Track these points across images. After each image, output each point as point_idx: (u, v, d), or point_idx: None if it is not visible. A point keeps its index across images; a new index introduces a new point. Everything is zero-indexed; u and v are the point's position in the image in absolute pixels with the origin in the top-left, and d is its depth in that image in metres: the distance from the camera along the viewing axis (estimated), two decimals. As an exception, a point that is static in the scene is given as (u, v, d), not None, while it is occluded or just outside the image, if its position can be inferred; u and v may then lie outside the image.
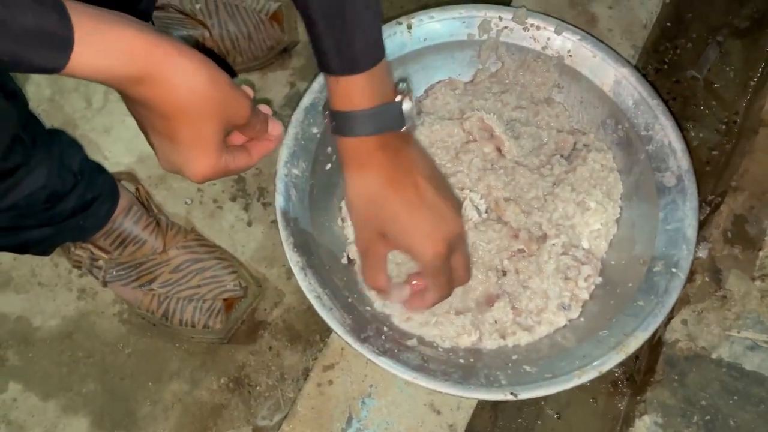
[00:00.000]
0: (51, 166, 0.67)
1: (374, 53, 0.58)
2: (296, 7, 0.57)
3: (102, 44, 0.41)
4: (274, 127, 0.57)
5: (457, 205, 0.65)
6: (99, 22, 0.41)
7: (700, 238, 0.77)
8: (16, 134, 0.62)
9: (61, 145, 0.71)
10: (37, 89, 0.95)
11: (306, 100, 0.73)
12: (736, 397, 0.69)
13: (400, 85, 0.61)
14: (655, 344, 0.75)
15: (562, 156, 0.77)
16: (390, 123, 0.59)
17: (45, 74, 0.41)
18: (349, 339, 0.63)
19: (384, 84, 0.59)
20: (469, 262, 0.67)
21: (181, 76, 0.45)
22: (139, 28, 0.43)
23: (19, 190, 0.65)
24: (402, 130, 0.60)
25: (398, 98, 0.60)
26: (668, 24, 0.93)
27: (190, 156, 0.49)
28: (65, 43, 0.39)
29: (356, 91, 0.58)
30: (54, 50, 0.39)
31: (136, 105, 0.48)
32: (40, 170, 0.66)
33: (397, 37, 0.76)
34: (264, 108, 0.57)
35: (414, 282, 0.67)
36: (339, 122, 0.60)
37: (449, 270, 0.64)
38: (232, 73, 0.97)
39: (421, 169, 0.62)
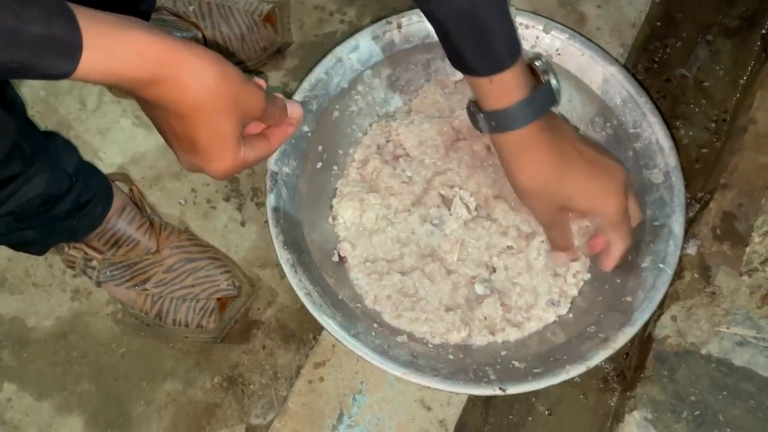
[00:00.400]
0: (48, 172, 0.68)
1: (515, 46, 0.59)
2: (429, 20, 0.58)
3: (110, 48, 0.41)
4: (294, 110, 0.57)
5: (611, 154, 0.70)
6: (106, 26, 0.41)
7: (690, 235, 0.77)
8: (15, 143, 0.63)
9: (56, 148, 0.72)
10: (31, 91, 0.95)
11: (296, 99, 0.73)
12: (725, 393, 0.70)
13: (537, 63, 0.62)
14: (645, 340, 0.76)
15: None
16: (546, 104, 0.61)
17: (55, 80, 0.41)
18: (340, 336, 0.64)
19: (527, 69, 0.61)
20: (639, 200, 0.70)
21: (193, 75, 0.45)
22: (148, 30, 0.43)
23: (18, 197, 0.65)
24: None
25: (544, 78, 0.61)
26: (658, 23, 0.94)
27: (210, 154, 0.49)
28: (74, 49, 0.40)
29: (509, 87, 0.59)
30: (63, 56, 0.39)
31: (151, 107, 0.48)
32: (38, 177, 0.66)
33: (387, 36, 0.77)
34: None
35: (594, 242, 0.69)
36: (499, 120, 0.61)
37: (628, 217, 0.66)
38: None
39: (574, 135, 0.66)
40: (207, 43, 0.93)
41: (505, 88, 0.59)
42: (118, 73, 0.42)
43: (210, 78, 0.45)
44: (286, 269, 0.65)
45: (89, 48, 0.40)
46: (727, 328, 0.72)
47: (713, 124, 0.90)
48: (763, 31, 0.94)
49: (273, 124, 0.56)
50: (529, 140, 0.61)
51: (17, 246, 0.75)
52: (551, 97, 0.62)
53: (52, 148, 0.71)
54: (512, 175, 0.64)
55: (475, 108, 0.63)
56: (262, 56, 0.95)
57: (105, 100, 0.96)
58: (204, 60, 0.45)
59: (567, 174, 0.63)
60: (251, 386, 0.82)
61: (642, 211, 0.69)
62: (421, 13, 0.76)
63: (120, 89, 0.92)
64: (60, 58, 0.39)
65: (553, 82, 0.62)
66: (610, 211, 0.65)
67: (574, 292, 0.72)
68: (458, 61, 0.61)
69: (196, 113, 0.46)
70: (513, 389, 0.62)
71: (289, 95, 0.74)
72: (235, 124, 0.49)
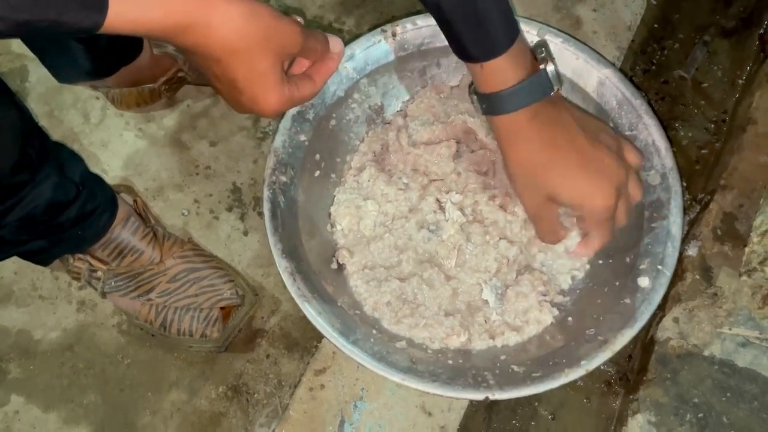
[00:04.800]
0: (56, 179, 0.69)
1: (510, 33, 0.59)
2: (427, 8, 0.59)
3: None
4: (335, 45, 0.57)
5: (618, 146, 0.66)
6: None
7: (690, 237, 0.77)
8: (25, 147, 0.64)
9: (63, 157, 0.73)
10: (36, 105, 0.97)
11: (293, 109, 0.74)
12: (728, 394, 0.69)
13: (539, 51, 0.62)
14: (647, 343, 0.75)
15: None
16: (539, 92, 0.61)
17: (84, 35, 0.42)
18: (339, 343, 0.64)
19: (525, 56, 0.61)
20: (630, 204, 0.68)
21: (221, 18, 0.45)
22: None
23: (26, 204, 0.67)
24: (551, 94, 0.61)
25: (541, 66, 0.61)
26: (655, 25, 0.94)
27: (253, 94, 0.50)
28: (101, 3, 0.41)
29: (500, 72, 0.60)
30: (91, 10, 0.41)
31: (192, 56, 0.49)
32: (46, 184, 0.68)
33: (382, 45, 0.77)
34: None
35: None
36: (489, 103, 0.61)
37: (614, 218, 0.66)
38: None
39: (576, 126, 0.64)
40: None
41: (497, 73, 0.60)
42: (147, 23, 0.43)
43: (238, 18, 0.46)
44: (285, 277, 0.66)
45: (115, 2, 0.41)
46: (730, 329, 0.72)
47: (712, 125, 0.90)
48: (761, 31, 0.94)
49: (317, 61, 0.56)
50: (519, 125, 0.62)
51: (25, 255, 0.76)
52: (546, 84, 0.61)
53: (60, 156, 0.72)
54: (504, 159, 0.65)
55: (471, 88, 0.64)
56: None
57: (108, 113, 0.98)
58: (231, 1, 0.46)
59: (556, 164, 0.63)
60: (256, 395, 0.83)
61: (628, 217, 0.68)
62: (416, 21, 0.77)
63: (123, 102, 0.94)
64: (88, 12, 0.41)
65: (551, 69, 0.61)
66: (594, 210, 0.64)
67: (565, 285, 0.73)
68: (453, 45, 0.61)
69: (230, 54, 0.47)
70: (512, 394, 0.62)
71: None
72: (273, 61, 0.49)
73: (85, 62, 0.82)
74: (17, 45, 1.00)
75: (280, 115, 0.55)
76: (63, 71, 0.86)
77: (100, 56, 0.82)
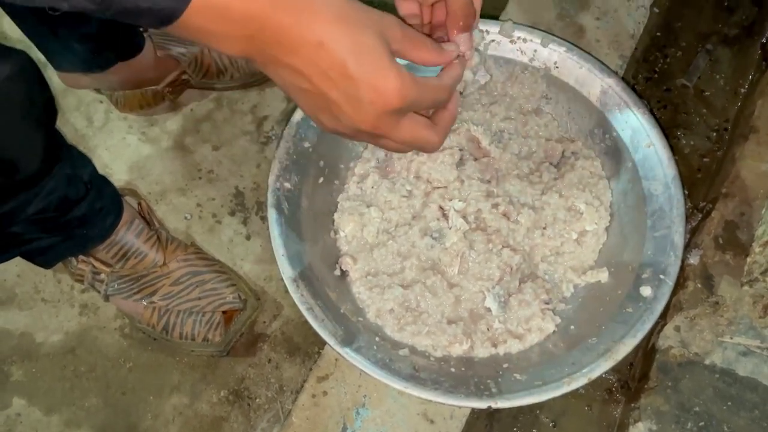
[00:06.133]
0: (69, 175, 0.70)
1: None
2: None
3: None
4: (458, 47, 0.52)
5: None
6: None
7: (692, 245, 0.77)
8: (54, 133, 0.63)
9: (74, 155, 0.73)
10: (40, 110, 0.97)
11: (297, 115, 0.74)
12: (729, 403, 0.69)
13: None
14: (648, 351, 0.76)
15: (551, 164, 0.78)
16: None
17: (159, 26, 0.38)
18: (341, 349, 0.64)
19: None
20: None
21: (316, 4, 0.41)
22: None
23: (43, 197, 0.67)
24: None
25: None
26: (657, 33, 0.94)
27: (369, 75, 0.43)
28: None
29: None
30: None
31: (283, 72, 0.44)
32: (61, 178, 0.68)
33: (386, 53, 0.77)
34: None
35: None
36: None
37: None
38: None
39: None
40: (203, 62, 0.93)
41: None
42: (237, 7, 0.39)
43: (332, 0, 0.42)
44: (288, 284, 0.66)
45: None
46: (731, 338, 0.72)
47: (714, 133, 0.90)
48: (763, 40, 0.94)
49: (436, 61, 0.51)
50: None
51: (30, 255, 0.76)
52: None
53: (71, 154, 0.73)
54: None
55: None
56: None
57: (111, 117, 0.98)
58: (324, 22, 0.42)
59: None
60: (257, 400, 0.83)
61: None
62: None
63: (126, 104, 0.94)
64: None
65: None
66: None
67: (567, 293, 0.73)
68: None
69: (335, 28, 0.42)
70: (514, 402, 0.62)
71: (294, 110, 0.75)
72: (376, 37, 0.44)
73: (80, 49, 0.82)
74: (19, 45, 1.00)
75: (409, 103, 0.45)
76: (58, 57, 0.85)
77: (94, 44, 0.82)
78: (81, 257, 0.82)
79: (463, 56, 0.54)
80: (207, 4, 0.39)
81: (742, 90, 0.93)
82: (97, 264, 0.81)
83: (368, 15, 0.44)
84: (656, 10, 0.93)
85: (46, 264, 0.81)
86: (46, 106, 0.64)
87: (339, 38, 0.42)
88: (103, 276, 0.82)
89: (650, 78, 0.93)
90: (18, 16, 0.77)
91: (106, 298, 0.83)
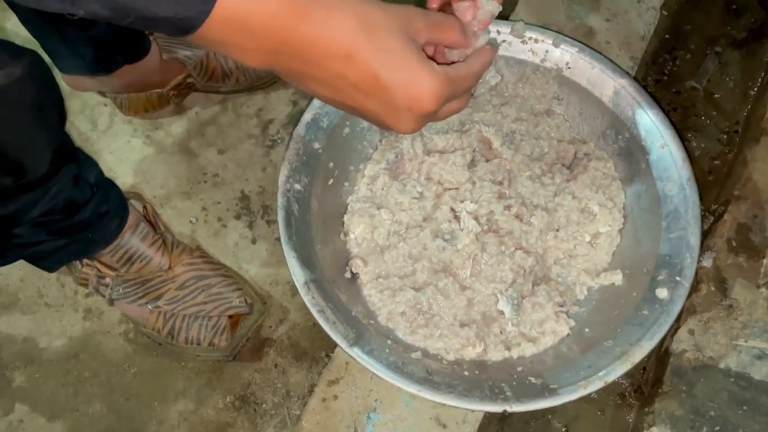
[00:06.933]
0: (76, 177, 0.69)
1: None
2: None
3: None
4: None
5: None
6: None
7: (705, 248, 0.77)
8: (64, 133, 0.63)
9: (80, 158, 0.73)
10: (44, 112, 0.96)
11: (307, 116, 0.74)
12: (745, 407, 0.69)
13: None
14: (662, 355, 0.75)
15: (563, 165, 0.77)
16: None
17: (178, 36, 0.37)
18: (353, 353, 0.63)
19: None
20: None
21: (336, 14, 0.41)
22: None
23: (49, 199, 0.66)
24: None
25: None
26: (666, 36, 0.94)
27: (402, 76, 0.43)
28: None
29: None
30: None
31: (297, 72, 0.43)
32: (67, 180, 0.68)
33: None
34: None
35: None
36: None
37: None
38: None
39: None
40: (208, 65, 0.93)
41: None
42: (262, 13, 0.38)
43: (349, 4, 0.41)
44: (299, 286, 0.65)
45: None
46: (745, 342, 0.71)
47: (725, 136, 0.90)
48: (773, 42, 0.94)
49: (460, 45, 0.50)
50: None
51: (34, 258, 0.75)
52: None
53: (78, 156, 0.72)
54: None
55: None
56: (271, 75, 0.95)
57: (116, 120, 0.97)
58: (340, 24, 0.41)
59: None
60: (263, 405, 0.82)
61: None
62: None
63: (131, 107, 0.93)
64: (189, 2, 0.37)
65: None
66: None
67: (581, 296, 0.72)
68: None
69: (361, 37, 0.41)
70: (530, 406, 0.61)
71: (299, 113, 0.75)
72: (402, 37, 0.43)
73: (87, 52, 0.81)
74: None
75: (442, 101, 0.45)
76: (64, 59, 0.84)
77: (101, 47, 0.81)
78: (85, 261, 0.81)
79: (494, 47, 0.53)
80: (227, 17, 0.38)
81: (752, 92, 0.92)
82: (101, 268, 0.80)
83: (391, 14, 0.44)
84: (665, 12, 0.93)
85: (50, 268, 0.80)
86: (57, 108, 0.63)
87: (366, 48, 0.42)
88: (107, 280, 0.81)
89: (660, 80, 0.92)
90: (24, 16, 0.77)
91: (111, 302, 0.82)
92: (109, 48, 0.82)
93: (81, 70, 0.86)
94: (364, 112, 0.46)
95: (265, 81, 0.98)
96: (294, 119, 0.96)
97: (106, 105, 0.97)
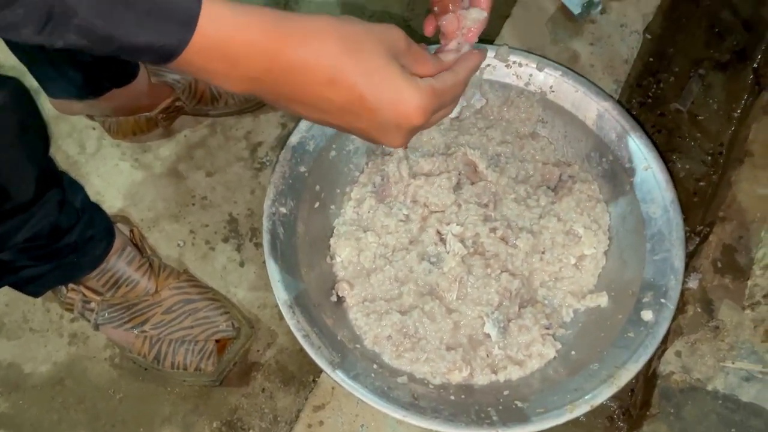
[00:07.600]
0: (61, 202, 0.69)
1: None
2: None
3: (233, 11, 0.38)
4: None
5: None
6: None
7: (690, 269, 0.77)
8: (48, 160, 0.63)
9: (65, 182, 0.73)
10: (32, 136, 0.96)
11: (293, 139, 0.74)
12: (733, 430, 0.68)
13: None
14: (650, 377, 0.74)
15: (548, 187, 0.77)
16: None
17: (159, 61, 0.37)
18: (338, 378, 0.63)
19: None
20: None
21: (315, 30, 0.41)
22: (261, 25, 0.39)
23: (34, 223, 0.66)
24: None
25: None
26: (650, 59, 0.95)
27: (389, 96, 0.43)
28: (190, 12, 0.37)
29: None
30: (174, 24, 0.37)
31: (284, 97, 0.43)
32: (53, 205, 0.67)
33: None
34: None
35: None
36: None
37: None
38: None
39: None
40: (197, 88, 0.93)
41: None
42: (243, 40, 0.39)
43: (333, 24, 0.42)
44: (284, 310, 0.65)
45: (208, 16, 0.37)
46: (733, 363, 0.71)
47: (709, 157, 0.90)
48: (755, 65, 0.95)
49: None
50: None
51: (18, 284, 0.75)
52: None
53: (63, 181, 0.72)
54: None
55: None
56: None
57: (104, 143, 0.97)
58: (319, 15, 0.42)
59: None
60: (251, 431, 0.81)
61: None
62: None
63: (120, 131, 0.94)
64: (168, 28, 0.37)
65: None
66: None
67: (567, 318, 0.72)
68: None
69: (345, 58, 0.42)
70: (516, 430, 0.61)
71: (288, 135, 0.75)
72: (384, 55, 0.43)
73: (75, 76, 0.81)
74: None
75: (429, 116, 0.46)
76: (52, 84, 0.84)
77: (89, 71, 0.81)
78: (71, 285, 0.80)
79: (482, 51, 0.54)
80: (207, 45, 0.38)
81: (736, 114, 0.93)
82: (87, 292, 0.80)
83: (373, 33, 0.44)
84: (648, 36, 0.94)
85: (36, 293, 0.79)
86: (40, 134, 0.63)
87: (351, 70, 0.42)
88: (93, 305, 0.80)
89: (644, 103, 0.93)
90: (11, 42, 0.77)
91: (96, 327, 0.82)
92: (97, 72, 0.83)
93: (69, 95, 0.86)
94: (352, 129, 0.47)
95: (254, 104, 0.98)
96: (283, 142, 0.95)
97: (94, 128, 0.98)
